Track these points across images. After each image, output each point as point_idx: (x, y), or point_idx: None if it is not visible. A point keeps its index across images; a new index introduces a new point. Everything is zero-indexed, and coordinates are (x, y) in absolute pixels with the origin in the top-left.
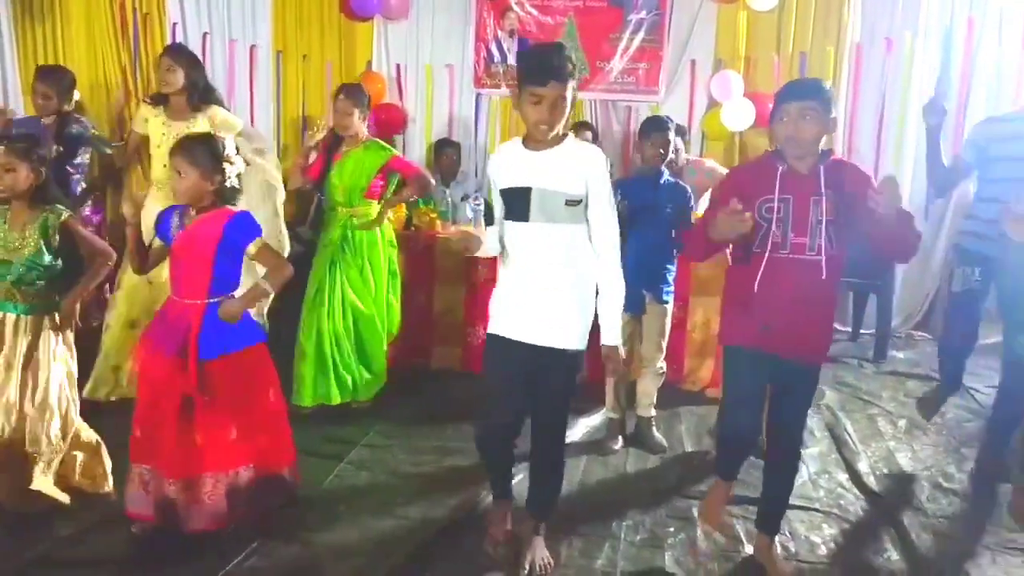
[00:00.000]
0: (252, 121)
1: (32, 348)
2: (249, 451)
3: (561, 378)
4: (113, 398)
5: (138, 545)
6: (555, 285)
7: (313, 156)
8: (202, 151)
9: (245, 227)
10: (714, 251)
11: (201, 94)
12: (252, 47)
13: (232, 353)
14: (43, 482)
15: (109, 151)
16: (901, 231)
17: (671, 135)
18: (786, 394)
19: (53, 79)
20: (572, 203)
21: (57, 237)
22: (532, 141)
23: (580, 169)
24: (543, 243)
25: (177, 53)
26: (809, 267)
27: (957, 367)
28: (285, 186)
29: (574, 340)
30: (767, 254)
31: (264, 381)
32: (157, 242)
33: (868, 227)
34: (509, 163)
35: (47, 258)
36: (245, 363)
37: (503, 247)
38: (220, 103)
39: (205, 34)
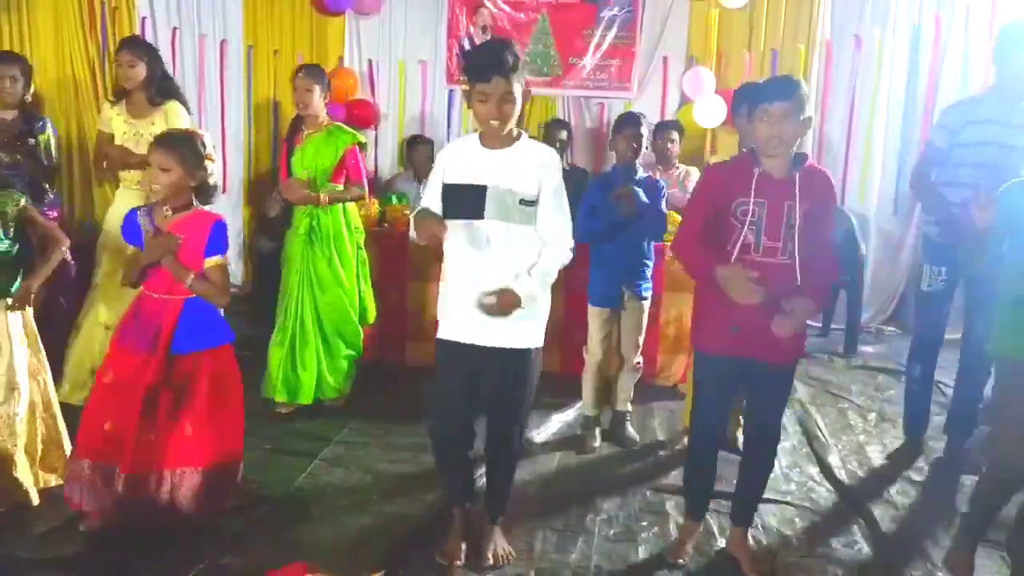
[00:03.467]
0: (223, 117)
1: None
2: (209, 449)
3: (513, 379)
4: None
5: (108, 545)
6: (508, 282)
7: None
8: (186, 147)
9: (224, 238)
10: (705, 269)
11: (160, 87)
12: (222, 42)
13: (205, 350)
14: (26, 474)
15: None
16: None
17: (644, 130)
18: (762, 393)
19: (17, 62)
20: (526, 203)
21: (12, 224)
22: (488, 139)
23: (535, 169)
24: (496, 241)
25: (136, 46)
26: (781, 271)
27: (927, 366)
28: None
29: (527, 339)
30: (738, 256)
31: (231, 380)
32: (131, 249)
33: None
34: (463, 159)
35: (4, 243)
36: (216, 361)
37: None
38: (178, 95)
39: (175, 28)
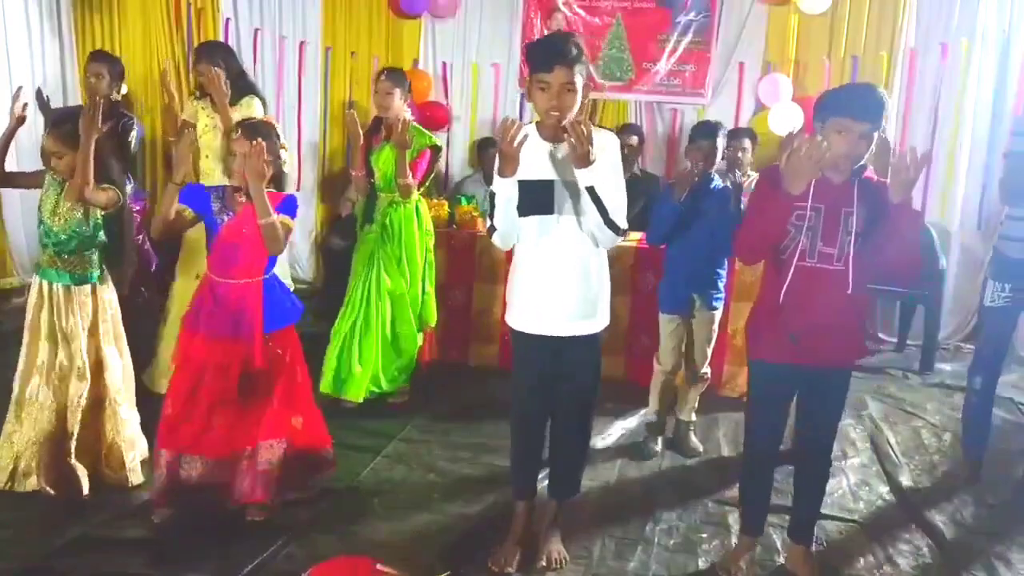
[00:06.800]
0: (299, 117)
1: (97, 314)
2: (292, 425)
3: (588, 361)
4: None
5: (172, 533)
6: (582, 274)
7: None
8: (266, 135)
9: (293, 207)
10: (762, 251)
11: (236, 86)
12: (302, 43)
13: (285, 328)
14: (78, 463)
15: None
16: (910, 234)
17: (719, 141)
18: (817, 401)
19: (106, 60)
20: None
21: (99, 212)
22: (546, 130)
23: (599, 155)
24: (569, 235)
25: (211, 55)
26: (835, 277)
27: (986, 385)
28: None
29: (600, 323)
30: (795, 262)
31: (300, 357)
32: (188, 211)
33: (879, 238)
34: (528, 154)
35: (88, 229)
36: (291, 337)
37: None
38: (254, 90)
39: (256, 30)
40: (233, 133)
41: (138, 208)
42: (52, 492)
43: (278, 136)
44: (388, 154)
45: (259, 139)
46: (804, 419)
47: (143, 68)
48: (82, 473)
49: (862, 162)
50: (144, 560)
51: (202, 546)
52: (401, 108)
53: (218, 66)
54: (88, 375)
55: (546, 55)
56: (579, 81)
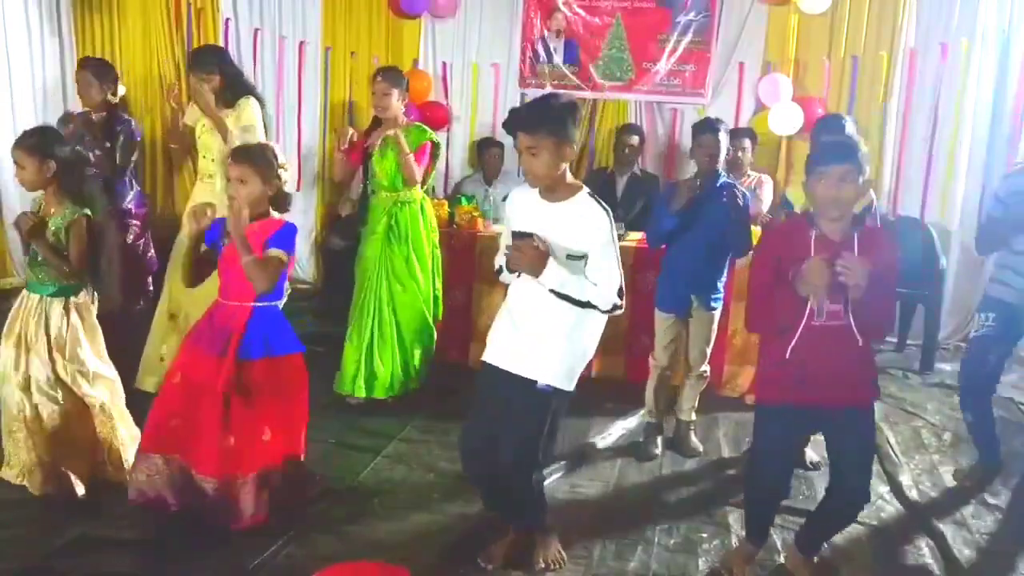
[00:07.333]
0: (299, 117)
1: (61, 329)
2: (276, 451)
3: (524, 411)
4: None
5: (172, 533)
6: (546, 319)
7: (350, 139)
8: (261, 159)
9: (290, 239)
10: (776, 324)
11: (232, 89)
12: (301, 43)
13: (274, 357)
14: (77, 464)
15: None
16: (879, 306)
17: (721, 136)
18: (841, 446)
19: (91, 67)
20: (573, 258)
21: (64, 234)
22: (546, 190)
23: (586, 229)
24: (542, 282)
25: (205, 62)
26: (844, 333)
27: (978, 412)
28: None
29: (549, 374)
30: (804, 322)
31: (297, 388)
32: (205, 248)
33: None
34: (523, 208)
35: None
36: (283, 369)
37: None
38: (250, 90)
39: (256, 30)
40: (228, 158)
41: (140, 213)
42: (34, 491)
43: (275, 156)
44: (391, 155)
45: (239, 192)
46: (833, 462)
47: (143, 68)
48: (75, 476)
49: (859, 210)
50: (144, 560)
51: (202, 546)
52: (399, 108)
53: (211, 72)
54: (57, 387)
55: (509, 121)
56: (545, 145)
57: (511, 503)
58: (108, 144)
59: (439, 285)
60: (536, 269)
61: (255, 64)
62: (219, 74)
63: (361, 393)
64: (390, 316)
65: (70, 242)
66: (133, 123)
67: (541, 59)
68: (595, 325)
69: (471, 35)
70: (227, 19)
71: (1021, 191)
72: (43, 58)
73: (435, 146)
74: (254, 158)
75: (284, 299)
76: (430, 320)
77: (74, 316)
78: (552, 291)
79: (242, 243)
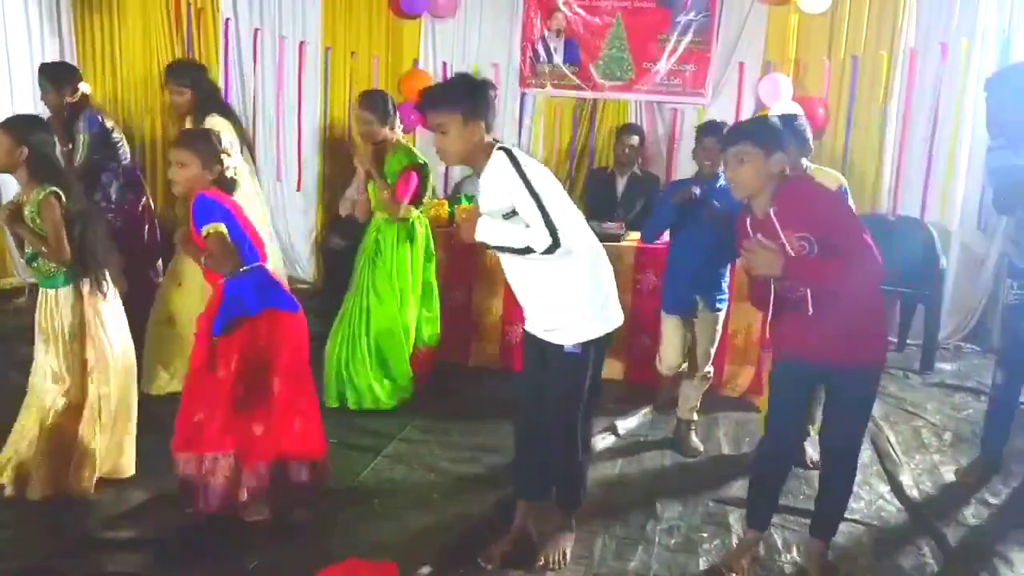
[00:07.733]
0: (299, 117)
1: (74, 322)
2: (294, 433)
3: (558, 372)
4: (161, 393)
5: (172, 533)
6: (525, 283)
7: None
8: (201, 143)
9: (200, 210)
10: (760, 298)
11: (203, 106)
12: (301, 43)
13: (253, 316)
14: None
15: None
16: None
17: None
18: (840, 402)
19: (43, 73)
20: (508, 216)
21: (38, 216)
22: (472, 167)
23: (501, 185)
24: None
25: (179, 75)
26: (799, 302)
27: (1010, 384)
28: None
29: (567, 336)
30: (772, 295)
31: (292, 347)
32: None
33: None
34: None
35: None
36: (239, 340)
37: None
38: (219, 108)
39: (256, 30)
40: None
41: (139, 207)
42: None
43: (219, 141)
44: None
45: (178, 175)
46: (826, 421)
47: (143, 68)
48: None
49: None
50: (144, 560)
51: (202, 546)
52: (385, 131)
53: (184, 86)
54: (65, 379)
55: (417, 102)
56: (450, 121)
57: (552, 472)
58: (71, 145)
59: (430, 312)
60: (468, 236)
61: (255, 64)
62: (191, 89)
63: (333, 403)
64: (364, 332)
65: (44, 220)
66: (92, 115)
67: (541, 59)
68: (569, 271)
69: (471, 35)
70: (227, 19)
71: (997, 168)
72: (43, 58)
73: (422, 168)
74: (194, 142)
75: (260, 261)
76: (403, 345)
77: (86, 306)
78: (494, 248)
79: (193, 257)
